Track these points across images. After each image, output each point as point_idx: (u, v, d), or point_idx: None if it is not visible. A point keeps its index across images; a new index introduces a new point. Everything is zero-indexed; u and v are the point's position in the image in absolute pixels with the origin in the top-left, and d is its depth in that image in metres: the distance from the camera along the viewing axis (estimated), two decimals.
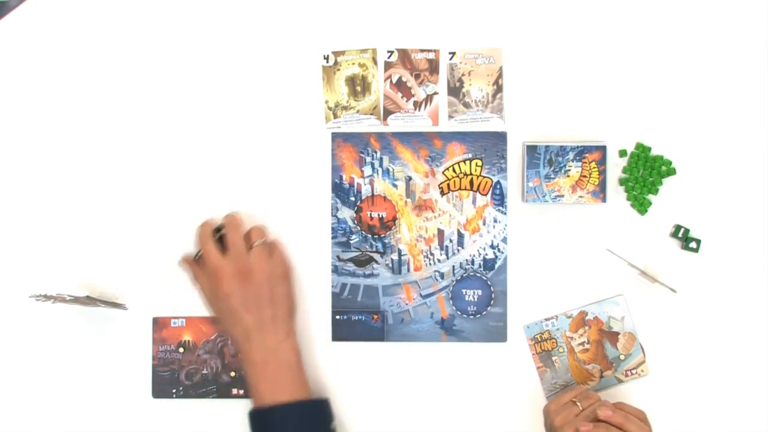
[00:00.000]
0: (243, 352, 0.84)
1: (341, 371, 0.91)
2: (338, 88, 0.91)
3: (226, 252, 0.84)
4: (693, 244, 0.88)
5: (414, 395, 0.90)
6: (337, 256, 0.91)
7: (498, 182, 0.91)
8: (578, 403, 0.82)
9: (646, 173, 0.89)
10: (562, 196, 0.88)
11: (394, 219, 0.91)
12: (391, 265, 0.91)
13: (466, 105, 0.91)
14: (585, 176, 0.88)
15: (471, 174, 0.91)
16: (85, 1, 0.91)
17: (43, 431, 0.90)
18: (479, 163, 0.91)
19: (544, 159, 0.88)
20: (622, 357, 0.90)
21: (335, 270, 0.91)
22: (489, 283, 0.90)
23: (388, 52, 0.91)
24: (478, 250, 0.91)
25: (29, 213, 0.91)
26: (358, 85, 0.91)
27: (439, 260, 0.91)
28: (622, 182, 0.90)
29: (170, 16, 0.91)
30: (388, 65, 0.91)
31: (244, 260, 0.84)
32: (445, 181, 0.91)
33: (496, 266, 0.91)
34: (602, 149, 0.88)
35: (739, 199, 0.90)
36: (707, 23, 0.90)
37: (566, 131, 0.90)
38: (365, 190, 0.91)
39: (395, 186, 0.91)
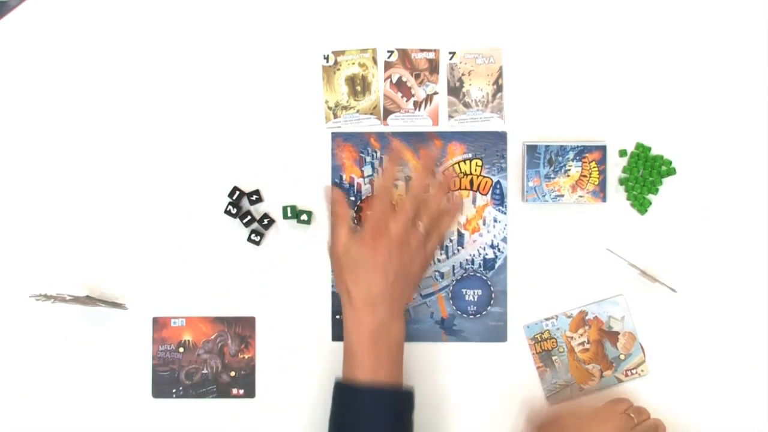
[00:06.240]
0: (354, 317, 0.80)
1: (341, 371, 0.90)
2: (338, 88, 0.91)
3: (391, 214, 0.82)
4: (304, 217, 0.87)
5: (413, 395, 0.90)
6: None
7: (498, 182, 0.91)
8: (633, 417, 0.83)
9: (646, 173, 0.89)
10: (562, 195, 0.88)
11: None
12: None
13: (466, 105, 0.91)
14: (585, 176, 0.88)
15: (471, 174, 0.91)
16: (85, 1, 0.91)
17: (43, 431, 0.91)
18: (479, 162, 0.91)
19: (544, 159, 0.88)
20: (622, 357, 0.90)
21: None
22: (489, 282, 0.90)
23: (388, 52, 0.91)
24: (478, 250, 0.91)
25: (30, 213, 0.91)
26: (358, 85, 0.91)
27: (438, 260, 0.91)
28: (622, 182, 0.90)
29: (170, 16, 0.91)
30: (388, 65, 0.91)
31: (409, 231, 0.82)
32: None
33: (496, 266, 0.91)
34: (602, 149, 0.88)
35: (739, 199, 0.90)
36: (707, 23, 0.90)
37: (566, 131, 0.90)
38: (365, 190, 0.91)
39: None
